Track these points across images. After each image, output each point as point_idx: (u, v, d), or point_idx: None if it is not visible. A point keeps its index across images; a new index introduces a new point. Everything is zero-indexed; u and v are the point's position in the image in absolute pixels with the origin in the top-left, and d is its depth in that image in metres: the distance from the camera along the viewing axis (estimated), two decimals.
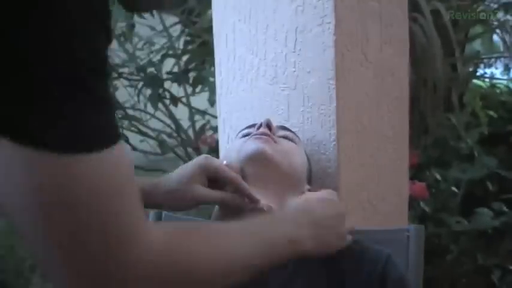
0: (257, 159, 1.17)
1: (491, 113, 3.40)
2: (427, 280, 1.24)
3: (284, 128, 1.32)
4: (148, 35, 3.03)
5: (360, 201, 1.47)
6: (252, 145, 1.19)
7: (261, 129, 1.23)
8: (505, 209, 2.58)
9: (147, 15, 2.98)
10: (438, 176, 2.70)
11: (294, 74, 1.46)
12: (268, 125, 1.24)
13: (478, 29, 3.73)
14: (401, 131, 1.60)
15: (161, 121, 3.18)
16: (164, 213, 1.42)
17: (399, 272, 1.09)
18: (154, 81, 2.67)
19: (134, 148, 3.19)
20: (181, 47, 3.01)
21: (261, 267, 0.84)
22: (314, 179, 1.37)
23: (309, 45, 1.42)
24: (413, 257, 1.21)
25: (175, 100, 2.84)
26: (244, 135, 1.27)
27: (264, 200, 1.15)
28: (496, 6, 3.43)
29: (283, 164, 1.19)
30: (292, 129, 1.35)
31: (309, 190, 1.28)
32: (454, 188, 2.71)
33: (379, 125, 1.52)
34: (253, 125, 1.29)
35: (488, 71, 4.69)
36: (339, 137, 1.40)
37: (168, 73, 2.81)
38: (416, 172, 2.64)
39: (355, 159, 1.45)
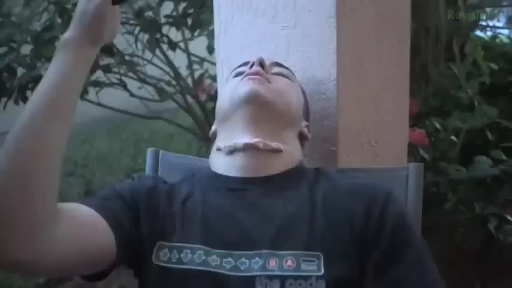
0: (251, 100, 1.16)
1: (493, 65, 3.38)
2: (424, 228, 1.23)
3: (278, 64, 1.30)
4: None
5: (360, 142, 1.46)
6: (245, 87, 1.18)
7: (254, 68, 1.22)
8: (503, 157, 2.57)
9: None
10: (438, 125, 2.69)
11: (293, 13, 1.43)
12: (261, 63, 1.23)
13: None
14: (402, 73, 1.59)
15: (160, 68, 3.15)
16: (161, 152, 1.41)
17: (400, 208, 1.09)
18: (152, 25, 2.63)
19: (132, 94, 3.17)
20: None
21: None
22: (313, 119, 1.36)
23: None
24: (413, 195, 1.21)
25: (173, 45, 2.81)
26: (238, 74, 1.26)
27: (261, 139, 1.14)
28: None
29: (278, 103, 1.18)
30: (292, 69, 1.33)
31: (307, 126, 1.27)
32: (453, 137, 2.70)
33: (379, 66, 1.50)
34: (246, 63, 1.27)
35: (490, 22, 4.64)
36: (339, 77, 1.38)
37: (166, 17, 2.76)
38: (416, 121, 2.63)
39: (355, 99, 1.43)
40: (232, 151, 1.15)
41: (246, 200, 1.08)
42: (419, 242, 1.05)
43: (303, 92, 1.30)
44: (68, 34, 0.99)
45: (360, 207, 1.05)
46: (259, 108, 1.16)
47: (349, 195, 1.07)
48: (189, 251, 1.03)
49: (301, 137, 1.25)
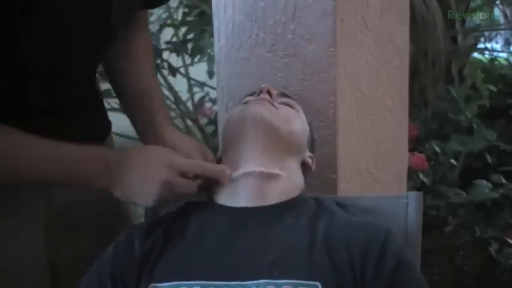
0: (257, 122, 1.17)
1: (491, 87, 3.40)
2: (425, 252, 1.23)
3: (284, 94, 1.31)
4: None
5: (359, 169, 1.47)
6: (252, 109, 1.19)
7: (261, 95, 1.23)
8: (503, 181, 2.58)
9: None
10: (437, 149, 2.70)
11: (293, 41, 1.44)
12: (269, 91, 1.24)
13: (478, 1, 3.70)
14: (401, 99, 1.60)
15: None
16: None
17: (399, 244, 1.09)
18: (153, 52, 2.64)
19: None
20: (179, 18, 2.98)
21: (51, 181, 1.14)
22: None
23: (308, 12, 1.41)
24: (412, 224, 1.20)
25: (173, 70, 2.82)
26: (245, 103, 1.27)
27: (261, 165, 1.15)
28: None
29: (282, 129, 1.18)
30: (291, 97, 1.34)
31: (311, 157, 1.28)
32: (453, 161, 2.71)
33: (378, 93, 1.51)
34: (253, 93, 1.28)
35: (488, 45, 4.67)
36: (338, 105, 1.39)
37: (166, 43, 2.79)
38: (416, 144, 2.64)
39: (354, 127, 1.44)
40: (233, 181, 1.15)
41: (245, 229, 1.09)
42: (419, 278, 1.05)
43: (309, 125, 1.31)
44: (105, 183, 1.14)
45: (359, 242, 1.05)
46: (263, 131, 1.17)
47: (349, 230, 1.07)
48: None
49: (304, 167, 1.26)
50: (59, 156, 1.13)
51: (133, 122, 1.43)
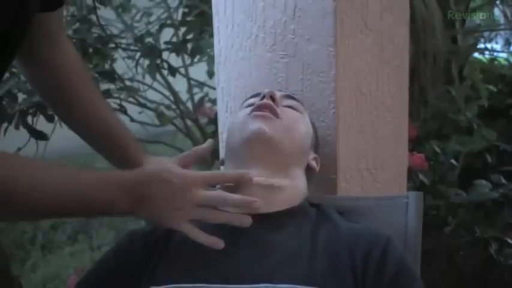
0: (257, 139, 1.17)
1: (491, 87, 3.39)
2: (425, 252, 1.23)
3: (288, 96, 1.30)
4: (146, 6, 3.00)
5: (359, 169, 1.47)
6: (253, 125, 1.18)
7: (264, 101, 1.22)
8: (503, 181, 2.58)
9: None
10: (437, 149, 2.70)
11: (293, 41, 1.44)
12: (272, 97, 1.23)
13: (478, 1, 3.70)
14: (401, 99, 1.59)
15: (160, 93, 3.17)
16: None
17: (400, 251, 1.09)
18: (152, 51, 2.65)
19: (132, 119, 3.18)
20: (179, 18, 2.98)
21: (73, 214, 1.07)
22: None
23: (308, 12, 1.41)
24: (412, 225, 1.21)
25: (173, 70, 2.82)
26: (249, 105, 1.27)
27: (264, 176, 1.15)
28: None
29: (285, 141, 1.18)
30: (296, 99, 1.34)
31: (315, 158, 1.28)
32: (452, 161, 2.71)
33: (378, 93, 1.51)
34: (258, 94, 1.28)
35: (488, 45, 4.68)
36: (338, 105, 1.39)
37: (166, 43, 2.79)
38: (416, 144, 2.64)
39: (354, 127, 1.44)
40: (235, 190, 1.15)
41: (247, 235, 1.08)
42: (420, 284, 1.05)
43: (313, 125, 1.31)
44: (127, 208, 1.03)
45: (361, 245, 1.05)
46: (265, 146, 1.17)
47: (351, 237, 1.07)
48: None
49: (309, 170, 1.26)
50: (81, 181, 1.02)
51: (107, 157, 1.35)
